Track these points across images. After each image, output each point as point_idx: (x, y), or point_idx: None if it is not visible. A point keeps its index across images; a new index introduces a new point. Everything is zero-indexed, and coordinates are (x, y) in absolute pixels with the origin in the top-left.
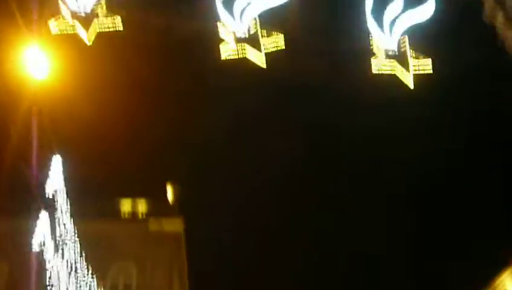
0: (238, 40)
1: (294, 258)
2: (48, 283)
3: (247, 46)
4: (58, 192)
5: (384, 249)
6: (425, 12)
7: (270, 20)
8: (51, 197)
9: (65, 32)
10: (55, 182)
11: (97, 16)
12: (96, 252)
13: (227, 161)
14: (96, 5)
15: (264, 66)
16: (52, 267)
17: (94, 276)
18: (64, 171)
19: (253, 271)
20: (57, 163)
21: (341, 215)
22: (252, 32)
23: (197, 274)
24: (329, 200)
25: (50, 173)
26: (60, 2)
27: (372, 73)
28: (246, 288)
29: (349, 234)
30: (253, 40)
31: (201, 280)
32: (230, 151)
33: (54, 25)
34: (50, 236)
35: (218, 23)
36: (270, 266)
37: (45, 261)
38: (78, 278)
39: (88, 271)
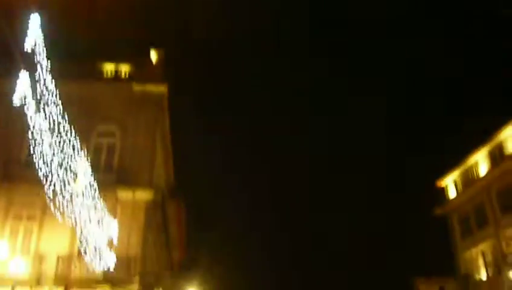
0: None
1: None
2: (31, 140)
3: None
4: (38, 51)
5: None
6: None
7: None
8: (30, 56)
9: None
10: (35, 41)
11: None
12: (79, 113)
13: (212, 25)
14: None
15: None
16: (34, 126)
17: (77, 137)
18: (44, 31)
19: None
20: (35, 22)
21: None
22: None
23: (180, 138)
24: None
25: (29, 32)
26: None
27: None
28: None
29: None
30: None
31: (184, 144)
32: (215, 15)
33: None
34: (31, 95)
35: None
36: (253, 118)
37: (27, 119)
38: (62, 138)
39: (71, 132)
